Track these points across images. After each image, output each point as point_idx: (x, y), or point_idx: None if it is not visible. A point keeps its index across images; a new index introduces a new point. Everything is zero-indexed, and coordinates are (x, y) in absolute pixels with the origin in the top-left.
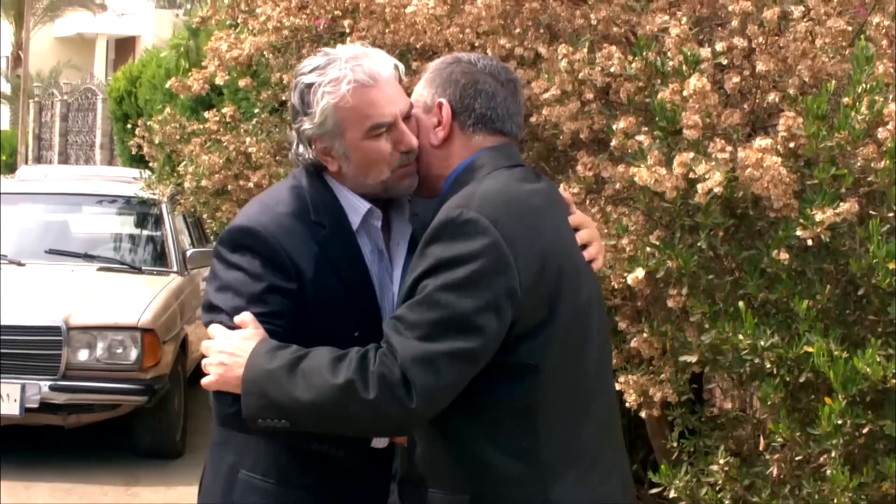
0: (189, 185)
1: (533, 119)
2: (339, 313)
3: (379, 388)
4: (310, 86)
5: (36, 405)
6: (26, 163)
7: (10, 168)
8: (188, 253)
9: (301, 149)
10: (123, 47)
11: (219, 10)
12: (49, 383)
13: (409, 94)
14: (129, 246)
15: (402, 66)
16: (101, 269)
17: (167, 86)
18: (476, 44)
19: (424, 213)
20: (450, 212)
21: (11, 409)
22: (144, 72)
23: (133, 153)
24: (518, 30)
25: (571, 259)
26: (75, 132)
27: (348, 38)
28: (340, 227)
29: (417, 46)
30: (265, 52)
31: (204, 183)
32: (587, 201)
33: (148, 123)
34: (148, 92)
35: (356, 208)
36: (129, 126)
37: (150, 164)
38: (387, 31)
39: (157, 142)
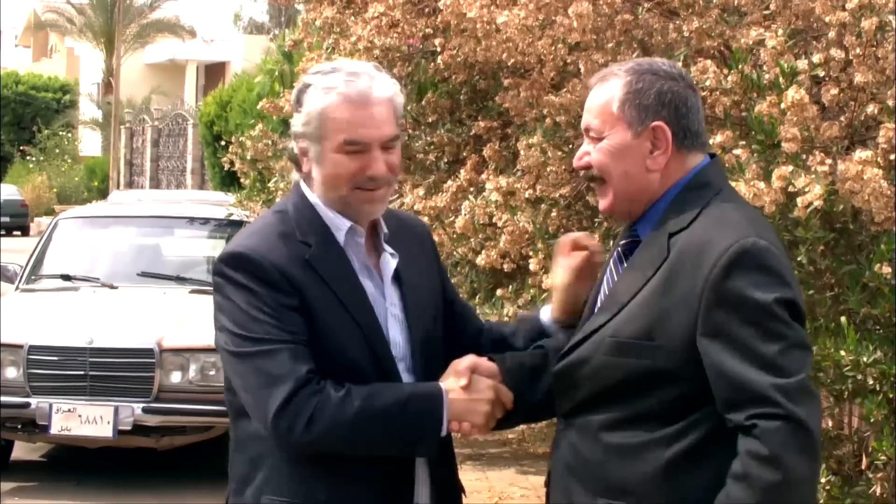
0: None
1: None
2: (342, 329)
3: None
4: (307, 86)
5: (129, 427)
6: (118, 188)
7: (103, 193)
8: None
9: (291, 143)
10: (213, 73)
11: (311, 34)
12: (142, 405)
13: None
14: None
15: (401, 97)
16: (193, 291)
17: (258, 107)
18: (568, 59)
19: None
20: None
21: (105, 431)
22: (234, 96)
23: (224, 175)
24: (610, 44)
25: None
26: (166, 157)
27: (439, 57)
28: (326, 243)
29: (509, 63)
30: None
31: None
32: None
33: (240, 140)
34: (238, 116)
35: (338, 227)
36: (221, 145)
37: (243, 184)
38: (478, 48)
39: (248, 158)
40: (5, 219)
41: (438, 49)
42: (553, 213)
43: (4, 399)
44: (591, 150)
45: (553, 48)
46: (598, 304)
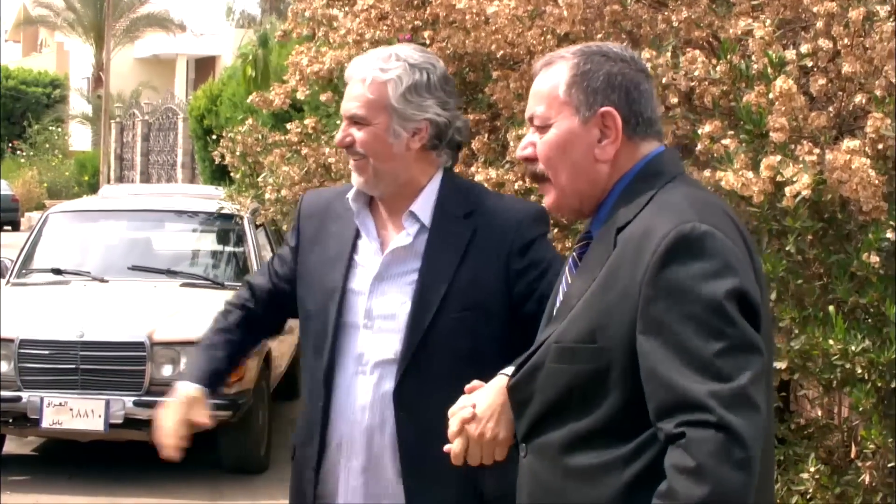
0: (269, 195)
1: None
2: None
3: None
4: None
5: (120, 421)
6: (108, 183)
7: (93, 188)
8: None
9: None
10: (203, 67)
11: (300, 24)
12: (133, 399)
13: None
14: (212, 262)
15: (374, 73)
16: (183, 284)
17: (248, 100)
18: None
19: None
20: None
21: (96, 424)
22: (225, 90)
23: (214, 169)
24: (599, 35)
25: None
26: (157, 151)
27: (428, 49)
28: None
29: (498, 55)
30: (345, 66)
31: (284, 193)
32: None
33: (230, 134)
34: (228, 110)
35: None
36: (212, 139)
37: (234, 178)
38: (467, 40)
39: (238, 152)
40: None
41: (427, 41)
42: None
43: None
44: (537, 140)
45: (543, 39)
46: (554, 313)
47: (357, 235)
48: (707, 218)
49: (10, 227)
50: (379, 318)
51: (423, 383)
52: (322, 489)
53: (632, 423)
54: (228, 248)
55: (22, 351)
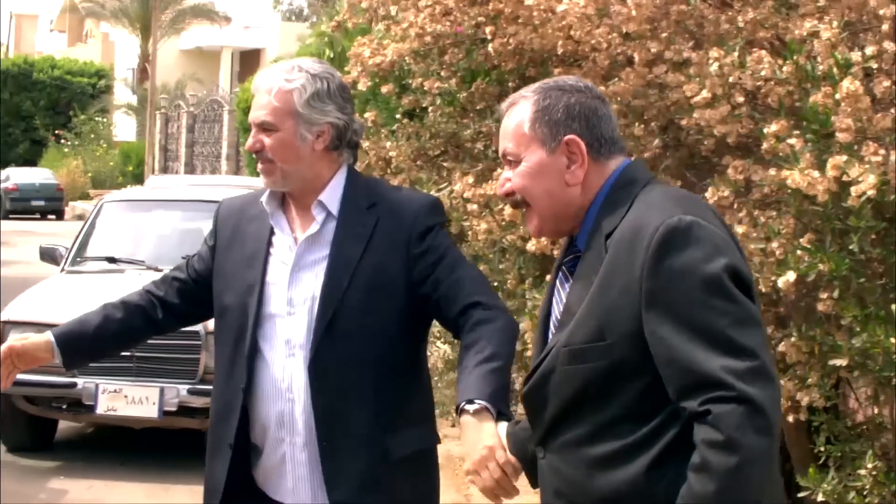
0: None
1: (684, 122)
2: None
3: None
4: None
5: (174, 408)
6: (153, 173)
7: (137, 178)
8: None
9: None
10: (248, 60)
11: (356, 15)
12: (187, 387)
13: None
14: None
15: (280, 84)
16: None
17: None
18: (618, 51)
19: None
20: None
21: (150, 412)
22: None
23: None
24: (664, 34)
25: None
26: (201, 143)
27: (490, 45)
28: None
29: (559, 52)
30: (406, 58)
31: None
32: (735, 205)
33: None
34: None
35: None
36: None
37: None
38: (533, 36)
39: None
40: (40, 202)
41: (489, 37)
42: None
43: (52, 379)
44: (511, 175)
45: (609, 37)
46: (552, 326)
47: (272, 234)
48: (689, 210)
49: (54, 216)
50: (299, 304)
51: (335, 353)
52: (263, 463)
53: (650, 407)
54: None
55: None
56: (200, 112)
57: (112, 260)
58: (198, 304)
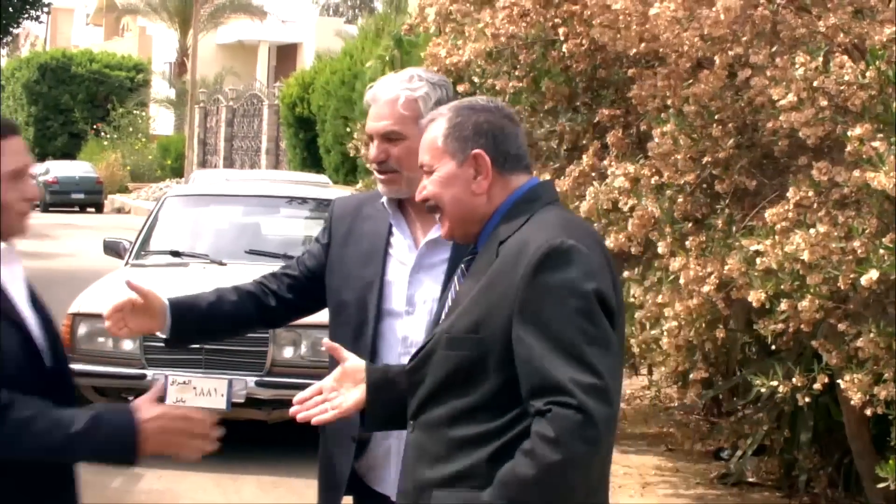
0: None
1: (769, 124)
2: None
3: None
4: None
5: (242, 400)
6: (192, 167)
7: (176, 172)
8: None
9: None
10: (285, 54)
11: (426, 19)
12: (255, 379)
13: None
14: None
15: (405, 93)
16: None
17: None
18: (699, 54)
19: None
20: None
21: (219, 403)
22: (317, 78)
23: (304, 157)
24: (745, 37)
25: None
26: (240, 137)
27: (564, 46)
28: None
29: (631, 53)
30: (479, 59)
31: None
32: (815, 204)
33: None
34: (321, 98)
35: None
36: (305, 124)
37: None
38: (616, 38)
39: None
40: (80, 195)
41: (563, 38)
42: (679, 199)
43: (121, 370)
44: (426, 183)
45: (696, 40)
46: (444, 313)
47: (389, 233)
48: (573, 235)
49: (93, 209)
50: (419, 304)
51: None
52: (369, 455)
53: (506, 400)
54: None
55: None
56: (240, 106)
57: (176, 254)
58: (309, 298)
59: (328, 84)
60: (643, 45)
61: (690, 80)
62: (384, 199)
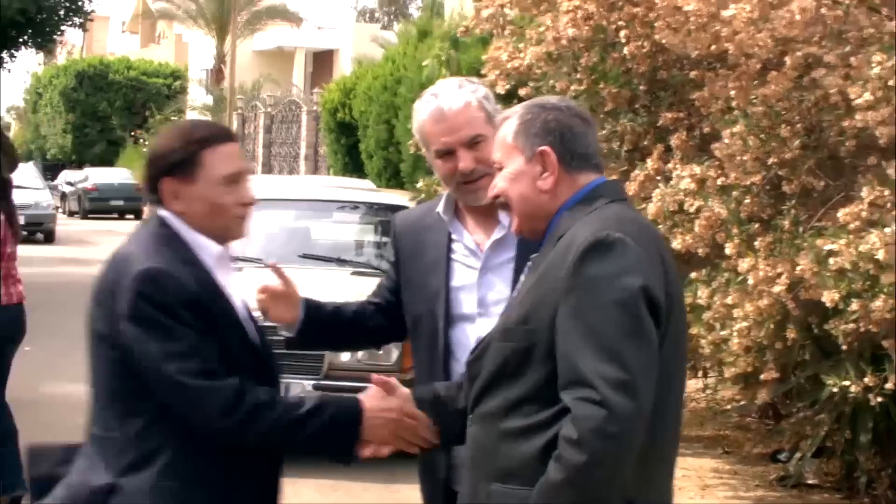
0: None
1: (845, 123)
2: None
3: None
4: (414, 109)
5: None
6: None
7: None
8: None
9: None
10: (321, 60)
11: (482, 21)
12: (312, 383)
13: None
14: (375, 252)
15: (473, 97)
16: (354, 273)
17: None
18: (769, 55)
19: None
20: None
21: None
22: (359, 84)
23: (346, 162)
24: (816, 37)
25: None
26: (278, 143)
27: (625, 48)
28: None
29: (692, 56)
30: (539, 62)
31: None
32: (888, 204)
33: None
34: (363, 104)
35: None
36: (347, 130)
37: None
38: (687, 39)
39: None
40: (119, 202)
41: (624, 41)
42: (747, 200)
43: None
44: (497, 179)
45: (769, 41)
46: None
47: (450, 240)
48: (623, 229)
49: (132, 216)
50: (491, 305)
51: None
52: (456, 460)
53: (552, 393)
54: (388, 239)
55: None
56: (278, 112)
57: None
58: (400, 319)
59: (370, 90)
60: (713, 46)
61: (757, 82)
62: (439, 209)
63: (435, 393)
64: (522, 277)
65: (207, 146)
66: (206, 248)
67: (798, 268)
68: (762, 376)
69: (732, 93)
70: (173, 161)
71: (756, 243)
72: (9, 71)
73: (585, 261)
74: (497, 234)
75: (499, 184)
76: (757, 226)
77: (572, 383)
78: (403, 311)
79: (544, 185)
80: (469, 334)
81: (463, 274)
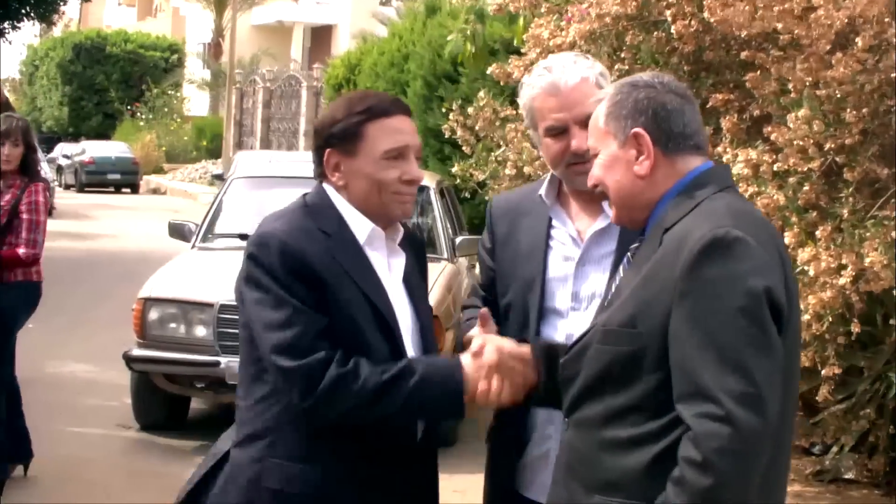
0: (510, 171)
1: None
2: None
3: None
4: (521, 84)
5: None
6: (230, 148)
7: (212, 153)
8: (457, 240)
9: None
10: (320, 36)
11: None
12: None
13: None
14: None
15: (590, 72)
16: None
17: (489, 72)
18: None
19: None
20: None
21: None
22: (364, 59)
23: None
24: (887, 18)
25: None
26: (277, 119)
27: (672, 27)
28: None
29: (741, 35)
30: (582, 40)
31: (527, 170)
32: None
33: (467, 109)
34: (368, 79)
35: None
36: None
37: (465, 152)
38: (754, 17)
39: (475, 126)
40: (116, 176)
41: (670, 19)
42: (805, 187)
43: (194, 357)
44: (594, 167)
45: (844, 20)
46: (606, 302)
47: (549, 227)
48: (742, 225)
49: (129, 190)
50: (586, 300)
51: None
52: (526, 460)
53: (663, 403)
54: (413, 220)
55: (221, 316)
56: (277, 88)
57: (244, 237)
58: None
59: (376, 65)
60: (779, 25)
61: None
62: (542, 192)
63: (547, 342)
64: (621, 271)
65: (371, 118)
66: (357, 223)
67: (867, 260)
68: (823, 372)
69: (800, 74)
70: (335, 132)
71: (818, 233)
72: (10, 43)
73: (703, 261)
74: (600, 223)
75: (595, 172)
76: (815, 214)
77: (691, 396)
78: (497, 297)
79: (641, 171)
80: (559, 330)
81: (559, 264)
